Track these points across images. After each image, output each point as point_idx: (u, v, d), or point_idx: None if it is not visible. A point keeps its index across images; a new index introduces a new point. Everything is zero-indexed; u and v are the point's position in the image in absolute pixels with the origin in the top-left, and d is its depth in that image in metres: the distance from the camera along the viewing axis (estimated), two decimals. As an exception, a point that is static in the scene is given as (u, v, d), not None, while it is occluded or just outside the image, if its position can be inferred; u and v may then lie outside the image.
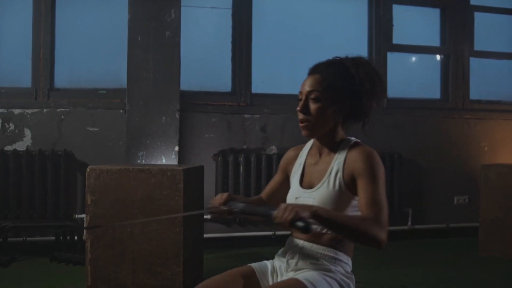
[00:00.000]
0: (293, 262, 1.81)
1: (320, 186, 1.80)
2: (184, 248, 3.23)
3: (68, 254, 4.09)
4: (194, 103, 4.65)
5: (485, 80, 5.55)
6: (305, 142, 2.01)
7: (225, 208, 1.77)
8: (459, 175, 5.38)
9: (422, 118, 5.33)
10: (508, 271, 4.06)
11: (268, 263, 1.89)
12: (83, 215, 4.40)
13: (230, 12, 4.88)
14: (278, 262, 1.87)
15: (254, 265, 1.87)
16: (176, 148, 4.35)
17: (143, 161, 4.25)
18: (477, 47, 5.47)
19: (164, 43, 4.31)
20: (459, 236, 5.28)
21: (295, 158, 1.97)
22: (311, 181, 1.86)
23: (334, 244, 1.77)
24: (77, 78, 4.60)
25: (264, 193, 2.03)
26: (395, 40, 5.25)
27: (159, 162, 4.27)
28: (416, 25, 5.40)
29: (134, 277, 3.25)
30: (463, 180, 5.38)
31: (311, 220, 1.57)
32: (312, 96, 1.78)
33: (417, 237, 5.20)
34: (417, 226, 5.21)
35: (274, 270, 1.86)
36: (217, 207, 1.79)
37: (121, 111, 4.50)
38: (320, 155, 1.87)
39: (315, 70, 1.83)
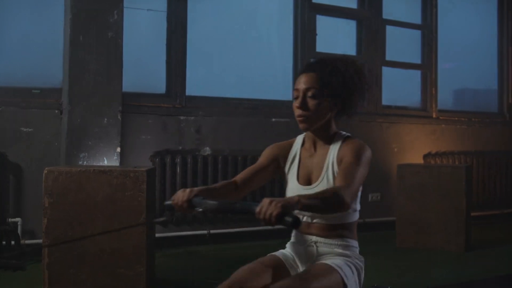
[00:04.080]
0: (311, 253, 1.92)
1: (320, 182, 1.92)
2: (147, 247, 3.28)
3: (4, 260, 3.92)
4: (132, 104, 4.64)
5: (395, 88, 6.09)
6: (282, 140, 2.09)
7: (199, 209, 1.65)
8: (373, 174, 5.80)
9: (342, 122, 5.71)
10: (423, 259, 4.56)
11: (285, 252, 1.98)
12: (17, 219, 4.26)
13: (165, 15, 4.92)
14: (295, 253, 1.96)
15: (278, 254, 1.97)
16: (118, 149, 4.33)
17: (85, 162, 4.18)
18: (388, 57, 5.98)
19: (106, 44, 4.27)
20: (373, 230, 5.74)
21: (287, 151, 2.04)
22: (309, 175, 1.96)
23: (344, 233, 1.93)
24: (8, 76, 4.39)
25: (240, 176, 1.97)
26: (318, 48, 5.58)
27: (101, 163, 4.23)
28: (337, 35, 5.80)
29: (94, 280, 3.23)
30: (376, 178, 5.86)
31: (297, 212, 1.51)
32: (310, 93, 1.91)
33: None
34: (337, 222, 5.59)
35: (294, 260, 1.96)
36: (181, 205, 1.70)
37: (56, 111, 4.38)
38: (315, 148, 1.99)
39: (309, 68, 1.96)
